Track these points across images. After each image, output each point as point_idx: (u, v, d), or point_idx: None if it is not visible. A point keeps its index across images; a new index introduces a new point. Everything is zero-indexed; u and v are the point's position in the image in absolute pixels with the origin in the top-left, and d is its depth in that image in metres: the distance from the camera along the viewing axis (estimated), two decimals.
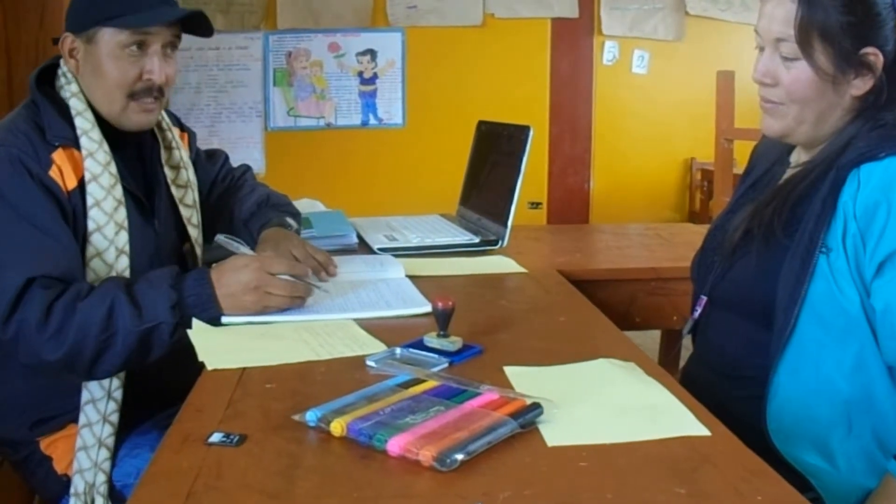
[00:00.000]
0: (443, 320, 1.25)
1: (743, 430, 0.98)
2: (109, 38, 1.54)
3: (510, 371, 1.17)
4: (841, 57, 1.24)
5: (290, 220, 1.83)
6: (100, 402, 1.49)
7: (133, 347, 1.37)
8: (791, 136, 1.35)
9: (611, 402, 1.07)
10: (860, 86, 1.26)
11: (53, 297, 1.36)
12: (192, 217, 1.75)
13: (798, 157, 1.39)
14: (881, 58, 1.24)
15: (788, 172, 1.37)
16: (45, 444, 1.56)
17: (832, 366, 1.22)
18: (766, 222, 1.29)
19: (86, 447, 1.49)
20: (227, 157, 2.00)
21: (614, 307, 1.83)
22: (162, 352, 1.40)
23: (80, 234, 1.49)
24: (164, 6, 1.58)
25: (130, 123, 1.60)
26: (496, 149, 2.27)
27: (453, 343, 1.24)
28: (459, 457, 0.87)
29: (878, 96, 1.26)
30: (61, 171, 1.48)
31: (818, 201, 1.23)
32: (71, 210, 1.48)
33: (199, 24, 1.64)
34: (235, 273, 1.42)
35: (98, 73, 1.55)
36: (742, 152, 4.30)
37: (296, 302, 1.44)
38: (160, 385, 1.50)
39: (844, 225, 1.20)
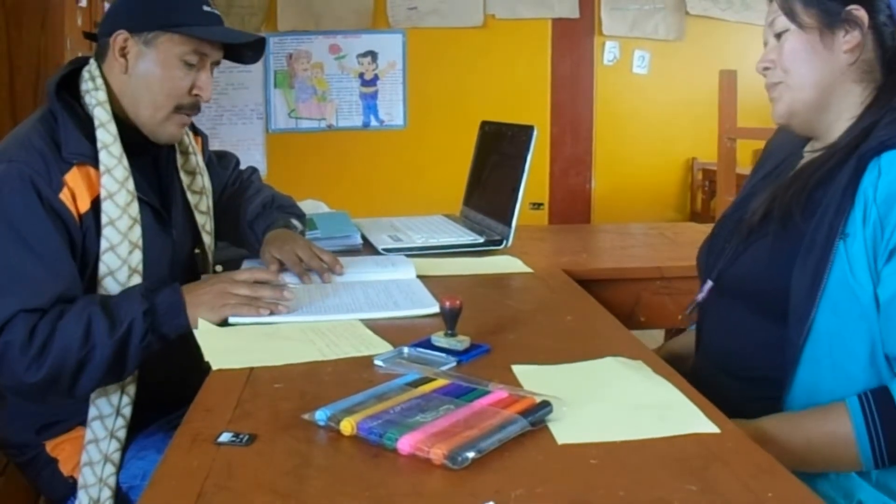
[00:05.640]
0: (450, 319, 1.25)
1: None
2: (171, 45, 1.53)
3: (518, 370, 1.17)
4: (825, 13, 1.28)
5: (294, 222, 1.82)
6: (108, 418, 1.49)
7: (109, 360, 1.37)
8: (796, 114, 1.35)
9: (620, 400, 1.07)
10: (850, 41, 1.29)
11: (37, 319, 1.36)
12: (205, 224, 1.74)
13: (813, 148, 1.39)
14: (865, 13, 1.27)
15: (807, 157, 1.38)
16: (52, 447, 1.56)
17: (847, 357, 1.20)
18: (785, 204, 1.29)
19: (91, 463, 1.48)
20: (238, 161, 2.00)
21: (619, 306, 1.83)
22: (135, 363, 1.41)
23: (92, 255, 1.48)
24: (221, 24, 1.59)
25: (165, 135, 1.60)
26: (500, 149, 2.27)
27: (461, 342, 1.24)
28: (471, 455, 0.87)
29: (879, 66, 1.29)
30: (73, 193, 1.46)
31: (838, 189, 1.23)
32: (81, 234, 1.46)
33: (252, 50, 1.66)
34: (203, 284, 1.45)
35: (150, 78, 1.54)
36: (744, 152, 4.31)
37: (254, 306, 1.41)
38: (166, 387, 1.50)
39: (865, 211, 1.20)
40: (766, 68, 1.36)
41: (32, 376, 1.34)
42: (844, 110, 1.32)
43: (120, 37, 1.53)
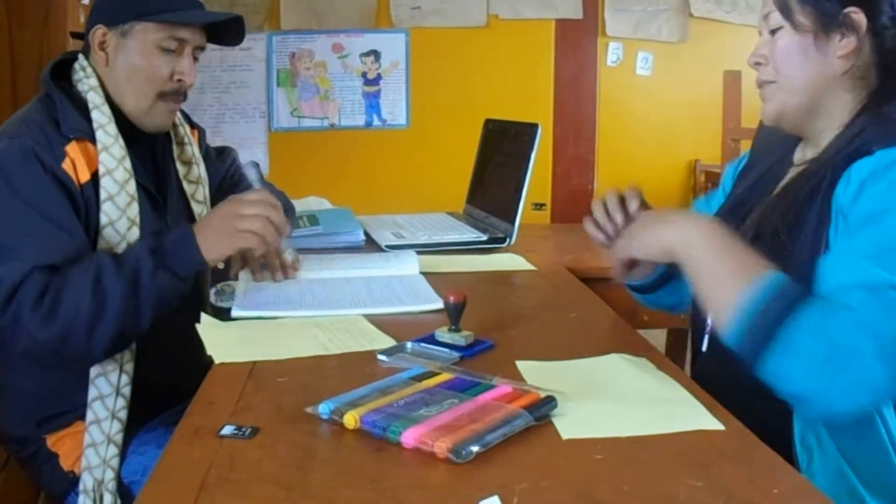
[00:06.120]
0: (454, 314, 1.25)
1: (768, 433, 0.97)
2: (146, 34, 1.54)
3: (522, 365, 1.17)
4: (822, 14, 1.23)
5: None
6: (108, 398, 1.48)
7: (122, 307, 1.35)
8: (785, 116, 1.31)
9: (624, 397, 1.07)
10: (845, 46, 1.23)
11: (50, 278, 1.35)
12: (202, 213, 1.74)
13: (803, 155, 1.36)
14: (864, 17, 1.22)
15: (793, 172, 1.34)
16: (52, 441, 1.56)
17: None
18: (773, 225, 1.25)
19: (94, 444, 1.48)
20: (236, 155, 2.01)
21: (622, 305, 1.82)
22: (149, 308, 1.38)
23: (92, 228, 1.48)
24: (200, 9, 1.60)
25: (152, 124, 1.60)
26: (504, 147, 2.27)
27: (465, 337, 1.24)
28: (475, 448, 0.86)
29: (875, 72, 1.24)
30: (74, 164, 1.47)
31: (818, 203, 1.20)
32: (83, 203, 1.48)
33: (235, 30, 1.65)
34: (212, 210, 1.49)
35: (129, 69, 1.55)
36: None
37: (268, 228, 1.43)
38: (167, 383, 1.50)
39: (836, 222, 1.17)
40: (758, 63, 1.32)
41: (44, 332, 1.34)
42: (836, 116, 1.28)
43: (98, 31, 1.55)
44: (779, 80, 1.29)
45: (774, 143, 1.44)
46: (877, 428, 1.14)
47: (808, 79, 1.27)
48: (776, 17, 1.27)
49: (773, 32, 1.29)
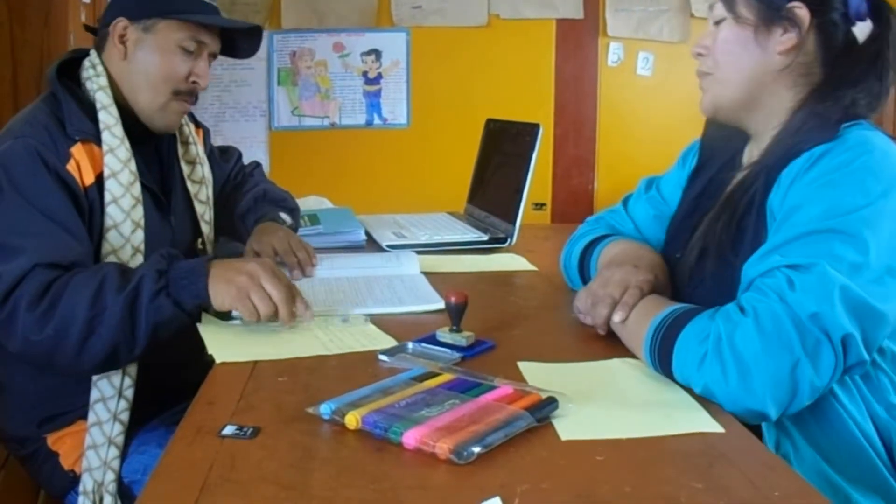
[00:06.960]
0: (456, 315, 1.25)
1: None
2: (168, 32, 1.56)
3: (524, 366, 1.17)
4: (766, 7, 1.22)
5: (283, 216, 1.84)
6: (110, 400, 1.48)
7: (119, 322, 1.29)
8: (720, 109, 1.31)
9: (625, 399, 1.07)
10: (785, 42, 1.22)
11: (53, 277, 1.33)
12: (205, 213, 1.75)
13: (750, 156, 1.33)
14: (808, 13, 1.20)
15: (738, 177, 1.31)
16: (52, 440, 1.56)
17: None
18: (717, 240, 1.23)
19: (95, 446, 1.48)
20: (240, 155, 2.01)
21: None
22: (146, 329, 1.31)
23: (97, 230, 1.48)
24: (220, 16, 1.62)
25: (162, 123, 1.61)
26: (505, 147, 2.27)
27: (466, 338, 1.24)
28: (476, 450, 0.86)
29: (817, 70, 1.23)
30: (79, 165, 1.47)
31: (754, 213, 1.19)
32: (87, 206, 1.47)
33: (248, 42, 1.68)
34: (237, 261, 1.39)
35: (148, 65, 1.57)
36: None
37: (268, 312, 1.31)
38: (168, 383, 1.50)
39: (771, 229, 1.16)
40: (700, 55, 1.31)
41: (37, 334, 1.31)
42: (775, 112, 1.26)
43: (119, 24, 1.56)
44: (716, 73, 1.28)
45: (723, 141, 1.42)
46: (847, 425, 1.13)
47: (745, 72, 1.25)
48: (719, 9, 1.27)
49: (717, 24, 1.28)
